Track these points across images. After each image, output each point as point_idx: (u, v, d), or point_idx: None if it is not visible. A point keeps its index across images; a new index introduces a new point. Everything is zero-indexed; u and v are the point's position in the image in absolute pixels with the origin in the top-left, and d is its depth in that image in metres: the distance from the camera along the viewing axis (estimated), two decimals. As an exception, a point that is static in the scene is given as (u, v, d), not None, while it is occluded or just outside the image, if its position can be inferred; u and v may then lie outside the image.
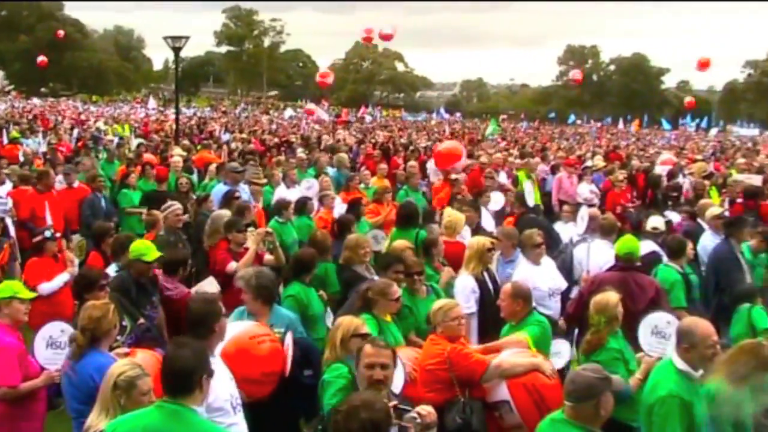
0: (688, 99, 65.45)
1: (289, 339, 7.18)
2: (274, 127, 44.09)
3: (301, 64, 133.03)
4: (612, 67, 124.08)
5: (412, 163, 19.02)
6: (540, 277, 9.70)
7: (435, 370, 7.00)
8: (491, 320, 8.71)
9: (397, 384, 6.33)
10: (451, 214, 11.88)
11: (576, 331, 9.35)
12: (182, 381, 4.89)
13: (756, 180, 18.25)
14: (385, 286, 7.95)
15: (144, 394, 5.32)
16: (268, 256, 10.71)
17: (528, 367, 7.13)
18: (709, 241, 11.63)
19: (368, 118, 63.43)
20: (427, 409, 4.70)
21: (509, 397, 7.04)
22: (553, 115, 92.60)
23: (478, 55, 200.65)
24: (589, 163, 22.48)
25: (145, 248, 8.95)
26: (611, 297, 7.41)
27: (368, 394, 4.99)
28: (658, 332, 7.09)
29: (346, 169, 19.32)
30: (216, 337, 6.10)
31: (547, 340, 7.94)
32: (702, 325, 6.14)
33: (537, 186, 16.26)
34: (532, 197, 15.16)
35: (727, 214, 12.99)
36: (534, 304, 8.94)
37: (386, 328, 7.75)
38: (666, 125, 66.84)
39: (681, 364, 6.01)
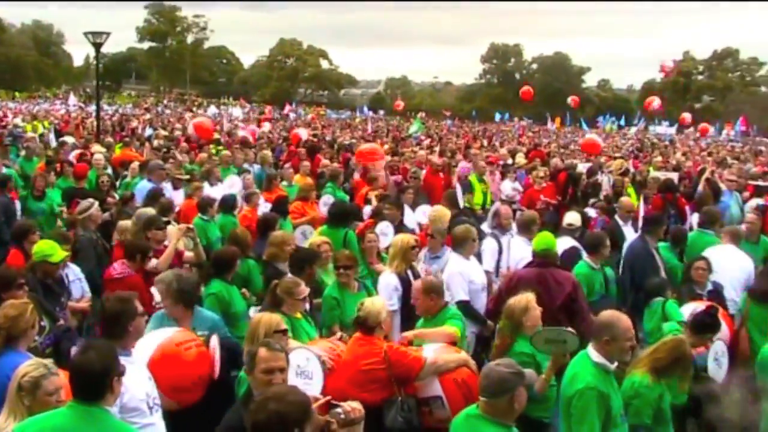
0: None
1: (214, 341, 7.14)
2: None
3: (224, 61, 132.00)
4: (534, 66, 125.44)
5: (326, 161, 19.06)
6: (474, 270, 9.86)
7: (373, 370, 7.02)
8: (414, 317, 8.75)
9: (317, 383, 6.36)
10: (436, 209, 12.31)
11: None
12: (91, 385, 4.81)
13: (672, 176, 18.69)
14: (292, 285, 7.92)
15: (50, 394, 5.20)
16: (188, 254, 10.65)
17: (458, 362, 7.30)
18: (627, 237, 11.90)
19: (292, 116, 63.27)
20: (352, 405, 4.67)
21: (442, 392, 7.15)
22: (474, 113, 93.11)
23: (403, 53, 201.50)
24: (510, 161, 22.77)
25: (49, 249, 8.82)
26: (519, 303, 7.53)
27: (283, 387, 4.99)
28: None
29: (268, 166, 19.24)
30: (131, 337, 6.02)
31: (464, 333, 8.19)
32: (623, 318, 6.32)
33: (488, 187, 16.31)
34: (462, 198, 15.25)
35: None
36: (468, 297, 9.14)
37: (297, 324, 7.73)
38: (584, 125, 67.78)
39: (596, 357, 6.19)
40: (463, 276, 9.49)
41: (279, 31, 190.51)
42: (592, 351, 6.25)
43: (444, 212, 12.07)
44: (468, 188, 14.96)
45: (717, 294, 9.91)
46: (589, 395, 5.99)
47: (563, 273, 9.27)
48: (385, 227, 11.88)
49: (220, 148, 24.07)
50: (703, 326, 7.70)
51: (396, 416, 6.93)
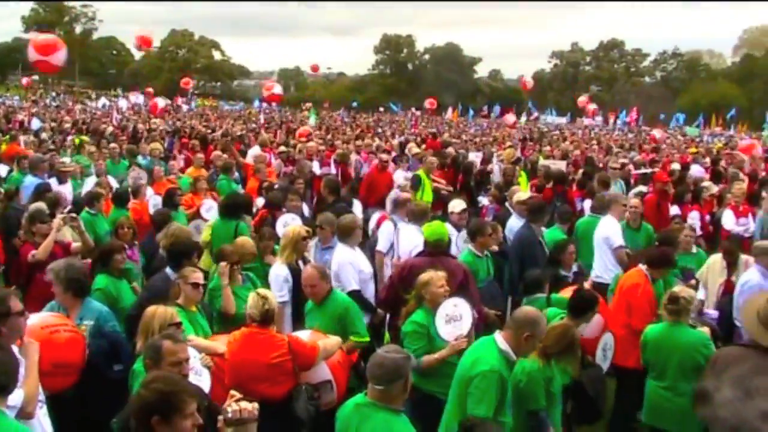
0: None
1: (87, 331, 7.08)
2: (87, 117, 42.57)
3: (114, 53, 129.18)
4: (427, 57, 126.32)
5: (219, 153, 18.91)
6: (362, 260, 9.93)
7: (282, 362, 7.00)
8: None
9: (206, 381, 6.34)
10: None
11: (388, 316, 9.55)
12: None
13: (561, 165, 19.13)
14: (188, 273, 7.88)
15: None
16: (75, 244, 10.46)
17: (337, 345, 7.50)
18: (515, 224, 12.12)
19: (184, 108, 62.38)
20: (243, 405, 4.57)
21: (331, 376, 7.30)
22: (356, 104, 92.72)
23: (296, 44, 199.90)
24: (406, 150, 22.90)
25: None
26: (423, 276, 7.79)
27: (168, 371, 5.05)
28: (451, 318, 7.35)
29: (159, 159, 18.98)
30: (5, 338, 5.76)
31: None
32: (544, 320, 6.65)
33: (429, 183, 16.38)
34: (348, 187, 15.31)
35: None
36: (359, 287, 9.21)
37: (192, 317, 7.68)
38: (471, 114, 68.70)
39: (503, 345, 6.36)
40: (353, 266, 9.55)
41: (170, 21, 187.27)
42: (499, 338, 6.41)
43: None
44: (418, 185, 14.96)
45: (581, 275, 10.17)
46: (491, 377, 6.15)
47: (454, 262, 9.40)
48: (290, 219, 11.87)
49: (84, 138, 23.76)
50: (582, 306, 7.89)
51: (305, 405, 6.98)
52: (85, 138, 24.60)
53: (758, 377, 5.41)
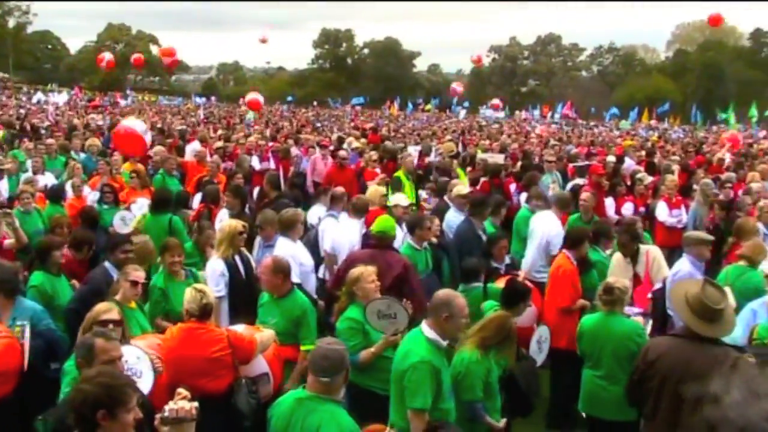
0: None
1: (27, 332, 6.98)
2: (22, 111, 41.80)
3: (50, 47, 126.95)
4: (366, 51, 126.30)
5: (161, 148, 18.74)
6: (303, 253, 9.99)
7: (222, 356, 7.00)
8: (242, 303, 8.86)
9: (146, 383, 6.26)
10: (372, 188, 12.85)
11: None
12: None
13: (498, 158, 19.29)
14: (129, 270, 7.83)
15: None
16: (8, 240, 10.34)
17: (272, 338, 7.56)
18: (453, 218, 12.20)
19: (122, 102, 61.62)
20: (179, 404, 4.45)
21: (268, 369, 7.33)
22: (291, 98, 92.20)
23: (234, 38, 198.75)
24: (345, 145, 22.94)
25: None
26: (353, 273, 7.88)
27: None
28: (384, 315, 7.40)
29: (97, 154, 18.74)
30: None
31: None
32: (459, 297, 6.59)
33: (412, 183, 16.28)
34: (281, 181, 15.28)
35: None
36: (299, 279, 9.21)
37: (130, 314, 7.61)
38: (410, 108, 68.87)
39: (430, 333, 6.38)
40: (294, 259, 9.52)
41: (107, 15, 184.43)
42: (425, 328, 6.45)
43: (377, 189, 12.64)
44: (398, 186, 14.92)
45: (513, 267, 10.29)
46: (422, 369, 6.18)
47: (396, 255, 9.48)
48: (125, 215, 11.99)
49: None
50: (515, 296, 8.00)
51: (246, 398, 7.00)
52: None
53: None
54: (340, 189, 12.48)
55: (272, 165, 19.18)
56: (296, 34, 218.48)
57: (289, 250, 9.69)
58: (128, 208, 12.64)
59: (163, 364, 6.70)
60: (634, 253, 10.24)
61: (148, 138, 17.67)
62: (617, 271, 9.98)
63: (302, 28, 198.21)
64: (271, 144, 23.34)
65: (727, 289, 6.93)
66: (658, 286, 9.58)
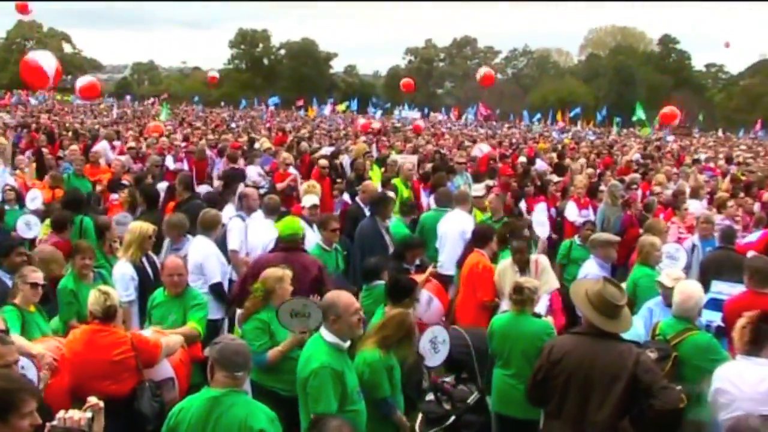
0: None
1: None
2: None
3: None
4: (282, 52, 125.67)
5: (74, 148, 18.42)
6: (221, 254, 10.02)
7: (125, 359, 6.93)
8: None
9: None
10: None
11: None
12: None
13: (411, 159, 19.38)
14: (27, 273, 7.64)
15: None
16: None
17: (180, 343, 7.51)
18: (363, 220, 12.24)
19: (33, 101, 60.30)
20: (69, 414, 4.32)
21: (173, 373, 7.29)
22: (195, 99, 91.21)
23: (149, 37, 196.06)
24: (257, 145, 22.84)
25: None
26: (275, 272, 7.83)
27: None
28: (298, 314, 7.40)
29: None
30: None
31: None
32: (343, 296, 6.56)
33: (410, 191, 16.01)
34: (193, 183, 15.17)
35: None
36: (220, 279, 9.29)
37: (30, 318, 7.44)
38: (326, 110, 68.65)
39: (329, 337, 6.38)
40: (218, 258, 9.61)
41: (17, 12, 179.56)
42: (324, 332, 6.44)
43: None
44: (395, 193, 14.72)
45: (423, 268, 10.36)
46: (323, 374, 6.16)
47: (308, 257, 9.48)
48: (29, 219, 11.78)
49: None
50: (400, 292, 8.06)
51: (150, 401, 6.94)
52: None
53: None
54: (249, 189, 12.40)
55: (186, 166, 19.02)
56: (212, 34, 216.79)
57: (212, 248, 9.76)
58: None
59: (59, 367, 6.59)
60: (526, 261, 9.99)
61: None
62: (503, 274, 9.94)
63: (218, 28, 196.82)
64: (184, 144, 23.11)
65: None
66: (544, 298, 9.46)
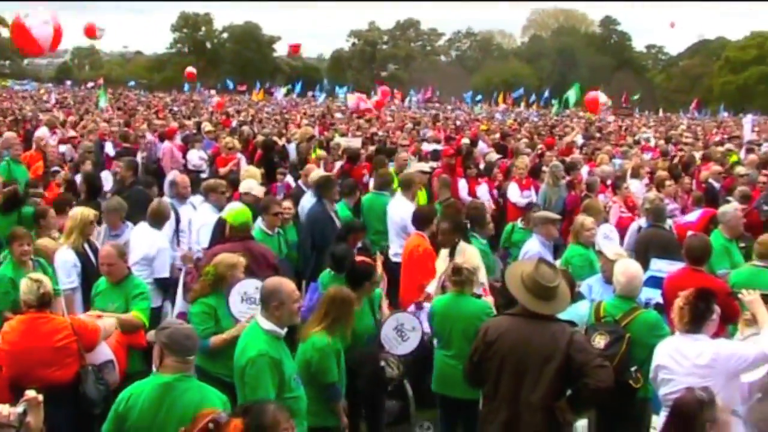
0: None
1: None
2: None
3: None
4: (225, 35, 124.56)
5: (10, 134, 18.04)
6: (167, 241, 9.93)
7: (67, 344, 6.87)
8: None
9: None
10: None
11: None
12: None
13: (355, 142, 19.40)
14: None
15: None
16: None
17: (114, 325, 7.47)
18: (309, 203, 12.20)
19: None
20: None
21: (113, 356, 7.27)
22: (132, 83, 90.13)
23: (90, 21, 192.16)
24: (209, 128, 22.67)
25: None
26: (230, 258, 7.78)
27: None
28: (248, 298, 7.41)
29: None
30: None
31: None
32: (285, 282, 6.53)
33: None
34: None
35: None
36: (168, 275, 9.34)
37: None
38: (279, 93, 68.38)
39: (267, 325, 6.34)
40: (169, 252, 9.63)
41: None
42: (261, 319, 6.39)
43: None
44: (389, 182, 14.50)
45: (365, 250, 10.37)
46: (261, 362, 6.13)
47: (262, 245, 9.44)
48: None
49: None
50: (359, 277, 8.10)
51: (95, 385, 6.92)
52: None
53: None
54: (180, 176, 12.31)
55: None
56: (153, 18, 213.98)
57: (165, 242, 9.73)
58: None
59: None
60: (453, 247, 9.65)
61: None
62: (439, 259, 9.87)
63: (160, 11, 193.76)
64: (126, 130, 22.83)
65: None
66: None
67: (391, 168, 15.22)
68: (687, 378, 6.05)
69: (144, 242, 9.63)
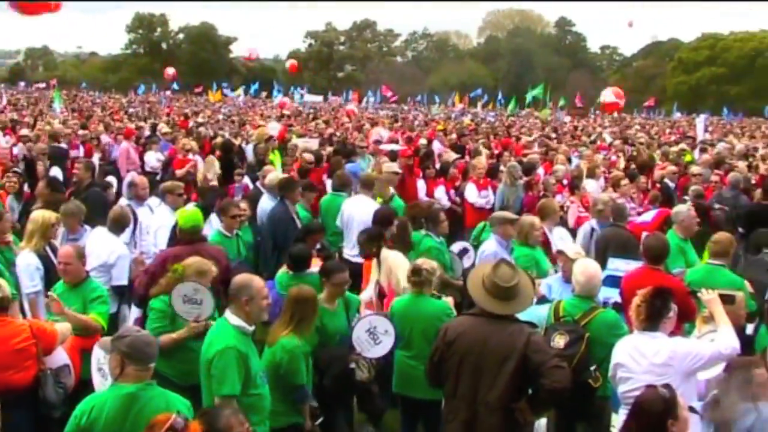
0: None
1: None
2: None
3: None
4: (181, 36, 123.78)
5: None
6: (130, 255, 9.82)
7: (26, 347, 6.80)
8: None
9: None
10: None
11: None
12: None
13: (312, 143, 19.38)
14: None
15: None
16: None
17: (69, 330, 7.34)
18: (267, 204, 12.19)
19: None
20: None
21: (69, 360, 7.18)
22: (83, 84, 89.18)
23: (43, 21, 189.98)
24: (166, 130, 22.56)
25: None
26: (204, 265, 7.70)
27: None
28: (189, 300, 7.32)
29: None
30: None
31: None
32: (256, 279, 6.59)
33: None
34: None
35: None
36: (126, 282, 9.26)
37: None
38: (230, 93, 68.17)
39: (235, 320, 6.36)
40: (129, 259, 9.47)
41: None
42: (230, 315, 6.41)
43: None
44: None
45: (324, 250, 10.35)
46: (229, 354, 6.15)
47: (215, 247, 9.35)
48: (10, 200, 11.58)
49: None
50: (321, 273, 8.12)
51: (54, 388, 6.85)
52: None
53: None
54: (138, 177, 12.23)
55: (81, 153, 18.69)
56: (108, 18, 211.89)
57: (125, 250, 9.57)
58: None
59: None
60: (375, 256, 9.53)
61: None
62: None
63: (115, 11, 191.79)
64: (81, 132, 22.63)
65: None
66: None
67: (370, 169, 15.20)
68: (644, 376, 6.14)
69: (103, 249, 9.45)
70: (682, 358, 6.19)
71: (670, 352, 6.21)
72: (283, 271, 9.07)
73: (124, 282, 9.34)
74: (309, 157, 16.12)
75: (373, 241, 9.65)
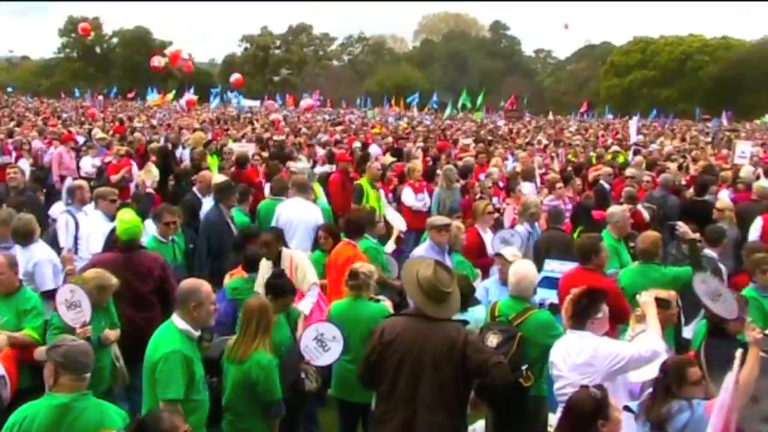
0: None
1: None
2: None
3: None
4: (115, 40, 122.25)
5: None
6: (52, 257, 9.54)
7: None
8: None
9: None
10: None
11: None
12: None
13: (249, 148, 19.38)
14: None
15: None
16: None
17: (4, 341, 7.31)
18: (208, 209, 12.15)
19: None
20: None
21: (4, 371, 7.12)
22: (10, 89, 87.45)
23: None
24: (101, 135, 22.30)
25: None
26: (104, 280, 7.66)
27: None
28: (71, 304, 7.26)
29: None
30: None
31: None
32: (205, 284, 6.59)
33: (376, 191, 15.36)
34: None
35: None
36: (52, 285, 8.94)
37: None
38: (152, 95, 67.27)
39: (182, 325, 6.37)
40: (51, 262, 9.21)
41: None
42: (177, 319, 6.41)
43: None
44: (360, 195, 14.27)
45: None
46: (174, 358, 6.15)
47: (150, 254, 9.23)
48: None
49: None
50: (283, 288, 8.06)
51: None
52: None
53: (763, 382, 5.85)
54: (79, 182, 12.09)
55: (13, 159, 18.42)
56: (39, 22, 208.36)
57: (44, 254, 9.31)
58: None
59: None
60: (277, 257, 9.38)
61: None
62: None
63: (47, 15, 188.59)
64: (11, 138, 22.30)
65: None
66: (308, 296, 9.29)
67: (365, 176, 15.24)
68: (570, 374, 6.29)
69: (21, 257, 9.09)
70: (603, 358, 6.28)
71: (593, 351, 6.31)
72: (236, 276, 9.05)
73: (50, 286, 9.11)
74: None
75: (278, 241, 9.55)
